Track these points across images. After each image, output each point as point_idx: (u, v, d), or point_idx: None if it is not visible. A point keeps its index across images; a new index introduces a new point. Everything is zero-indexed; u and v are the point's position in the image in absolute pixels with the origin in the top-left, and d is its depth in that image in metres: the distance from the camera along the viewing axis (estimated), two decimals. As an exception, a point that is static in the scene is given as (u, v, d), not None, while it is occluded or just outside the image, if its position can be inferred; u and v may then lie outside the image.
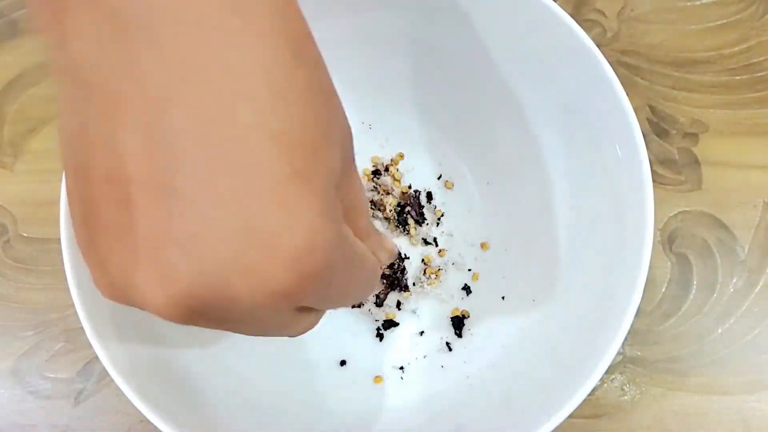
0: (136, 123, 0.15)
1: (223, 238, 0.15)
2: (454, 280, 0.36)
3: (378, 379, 0.34)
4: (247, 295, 0.15)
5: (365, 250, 0.20)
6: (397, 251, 0.26)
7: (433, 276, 0.36)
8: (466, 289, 0.36)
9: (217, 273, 0.15)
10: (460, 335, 0.35)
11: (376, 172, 0.37)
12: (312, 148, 0.16)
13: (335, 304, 0.20)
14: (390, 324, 0.35)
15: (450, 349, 0.35)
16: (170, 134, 0.15)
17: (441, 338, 0.35)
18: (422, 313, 0.36)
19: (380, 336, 0.35)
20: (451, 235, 0.37)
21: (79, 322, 0.25)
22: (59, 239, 0.26)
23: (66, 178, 0.18)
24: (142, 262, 0.16)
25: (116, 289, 0.17)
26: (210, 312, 0.16)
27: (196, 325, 0.16)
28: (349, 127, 0.19)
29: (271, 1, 0.16)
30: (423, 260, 0.36)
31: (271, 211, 0.15)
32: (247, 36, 0.15)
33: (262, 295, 0.15)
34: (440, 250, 0.37)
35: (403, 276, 0.36)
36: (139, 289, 0.16)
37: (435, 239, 0.37)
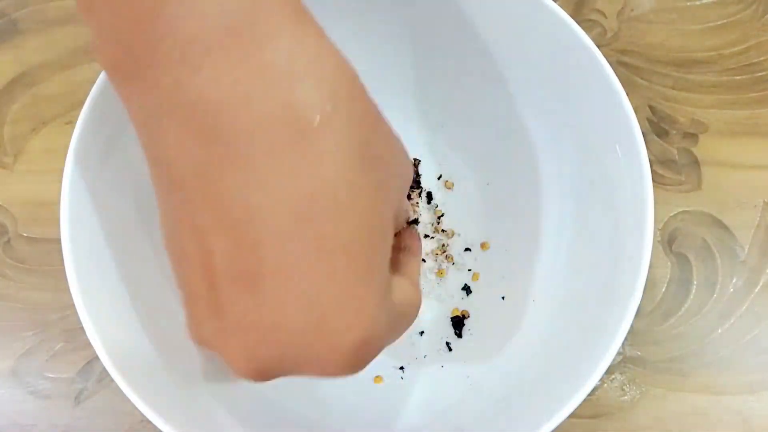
0: (224, 227, 0.18)
1: (298, 331, 0.18)
2: (454, 280, 0.36)
3: (378, 379, 0.34)
4: (312, 374, 0.20)
5: (407, 302, 0.23)
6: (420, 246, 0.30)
7: (444, 261, 0.36)
8: (466, 289, 0.36)
9: (291, 358, 0.19)
10: (460, 335, 0.35)
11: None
12: (378, 243, 0.19)
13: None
14: None
15: (450, 349, 0.35)
16: (254, 238, 0.17)
17: (441, 338, 0.35)
18: (422, 313, 0.36)
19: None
20: (451, 235, 0.37)
21: (79, 322, 0.25)
22: (59, 239, 0.26)
23: (167, 250, 0.21)
24: (231, 339, 0.19)
25: (205, 343, 0.20)
26: (281, 376, 0.20)
27: (266, 381, 0.20)
28: (410, 165, 0.23)
29: (342, 112, 0.18)
30: (423, 259, 0.36)
31: (338, 312, 0.18)
32: (320, 154, 0.17)
33: (325, 374, 0.20)
34: (442, 249, 0.37)
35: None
36: (227, 354, 0.20)
37: (438, 225, 0.37)
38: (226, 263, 0.18)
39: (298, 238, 0.17)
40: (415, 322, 0.35)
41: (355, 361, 0.19)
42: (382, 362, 0.35)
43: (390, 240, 0.20)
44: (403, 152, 0.22)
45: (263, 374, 0.20)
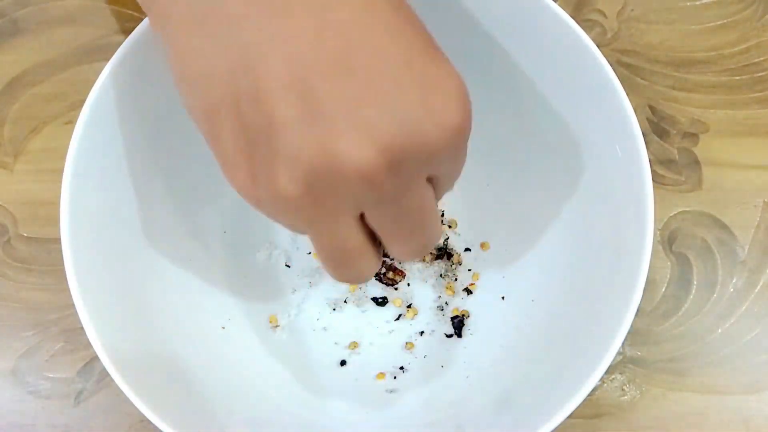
0: (307, 9, 0.18)
1: (406, 92, 0.18)
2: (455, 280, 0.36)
3: (380, 375, 0.34)
4: (435, 133, 0.19)
5: None
6: None
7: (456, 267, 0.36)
8: (466, 289, 0.36)
9: (411, 119, 0.18)
10: (460, 335, 0.35)
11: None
12: (432, 41, 0.20)
13: (450, 183, 0.23)
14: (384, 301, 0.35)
15: (450, 349, 0.35)
16: (335, 27, 0.18)
17: (441, 338, 0.35)
18: (422, 313, 0.36)
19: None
20: (451, 236, 0.37)
21: (79, 322, 0.25)
22: (59, 239, 0.26)
23: (207, 122, 0.20)
24: (344, 130, 0.18)
25: (317, 172, 0.18)
26: (407, 158, 0.19)
27: (394, 176, 0.19)
28: None
29: None
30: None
31: (430, 65, 0.19)
32: None
33: (446, 130, 0.19)
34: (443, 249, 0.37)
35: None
36: (343, 155, 0.18)
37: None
38: (312, 57, 0.18)
39: (367, 21, 0.18)
40: (416, 322, 0.36)
41: (465, 109, 0.19)
42: (383, 362, 0.35)
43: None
44: None
45: (392, 153, 0.18)
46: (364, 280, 0.23)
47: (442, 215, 0.37)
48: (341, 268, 0.22)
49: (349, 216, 0.20)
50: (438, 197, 0.23)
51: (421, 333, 0.35)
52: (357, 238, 0.21)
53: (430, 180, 0.21)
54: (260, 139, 0.19)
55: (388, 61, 0.18)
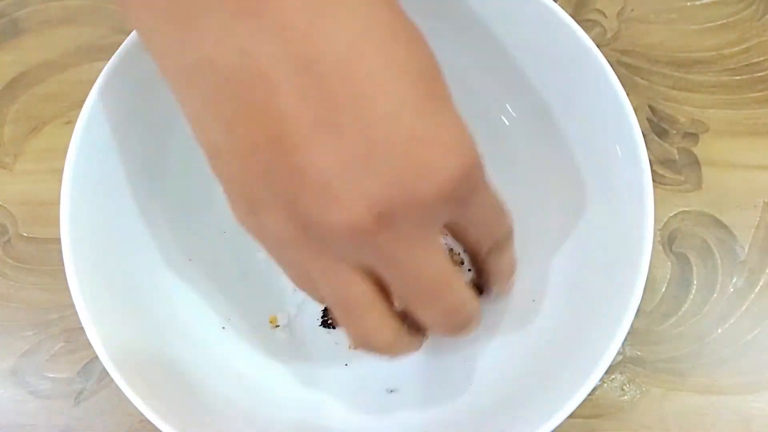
0: (291, 83, 0.17)
1: (396, 150, 0.18)
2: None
3: (380, 375, 0.34)
4: (427, 189, 0.18)
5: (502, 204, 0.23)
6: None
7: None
8: (466, 289, 0.36)
9: (402, 178, 0.18)
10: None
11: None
12: (434, 76, 0.19)
13: (486, 234, 0.24)
14: None
15: (450, 349, 0.35)
16: (322, 85, 0.17)
17: (441, 338, 0.35)
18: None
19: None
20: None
21: (79, 322, 0.25)
22: (59, 239, 0.26)
23: (231, 164, 0.19)
24: (336, 191, 0.18)
25: (311, 223, 0.19)
26: (398, 213, 0.18)
27: (386, 230, 0.19)
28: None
29: None
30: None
31: (424, 118, 0.18)
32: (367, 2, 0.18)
33: (441, 185, 0.18)
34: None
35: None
36: (332, 212, 0.18)
37: None
38: (301, 114, 0.17)
39: (363, 71, 0.17)
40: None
41: (462, 162, 0.19)
42: (383, 362, 0.35)
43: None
44: None
45: (384, 211, 0.18)
46: (386, 346, 0.23)
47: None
48: (347, 320, 0.22)
49: (348, 267, 0.20)
50: (478, 252, 0.24)
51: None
52: (359, 287, 0.21)
53: (458, 236, 0.22)
54: (258, 185, 0.19)
55: (376, 115, 0.18)
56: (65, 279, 0.25)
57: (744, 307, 0.36)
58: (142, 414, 0.24)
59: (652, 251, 0.26)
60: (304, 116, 0.17)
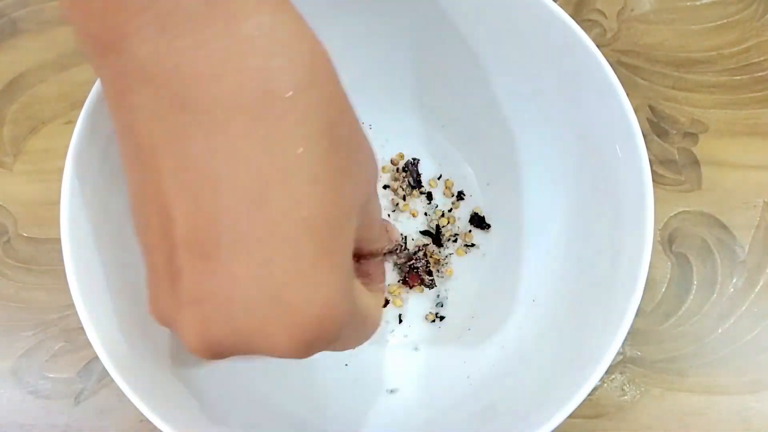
0: (188, 194, 0.18)
1: (252, 305, 0.18)
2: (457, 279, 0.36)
3: (381, 375, 0.34)
4: (265, 351, 0.19)
5: (370, 306, 0.23)
6: (399, 238, 0.29)
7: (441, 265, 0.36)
8: (466, 289, 0.36)
9: (244, 333, 0.18)
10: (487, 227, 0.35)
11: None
12: (337, 226, 0.19)
13: (339, 350, 0.23)
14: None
15: (451, 350, 0.35)
16: (216, 207, 0.17)
17: (442, 338, 0.35)
18: (424, 313, 0.36)
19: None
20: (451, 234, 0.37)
21: (79, 322, 0.25)
22: (59, 239, 0.26)
23: (134, 222, 0.21)
24: (185, 310, 0.19)
25: (163, 319, 0.20)
26: (233, 355, 0.19)
27: (219, 359, 0.20)
28: (375, 164, 0.22)
29: (314, 90, 0.18)
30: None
31: (295, 287, 0.18)
32: (289, 127, 0.17)
33: (277, 353, 0.19)
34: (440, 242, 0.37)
35: (418, 264, 0.36)
36: (179, 329, 0.19)
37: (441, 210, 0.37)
38: (185, 232, 0.18)
39: (258, 211, 0.17)
40: (417, 322, 0.36)
41: (310, 339, 0.18)
42: (383, 362, 0.35)
43: (353, 227, 0.20)
44: (368, 144, 0.21)
45: (215, 350, 0.19)
46: None
47: (460, 198, 0.37)
48: None
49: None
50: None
51: (422, 333, 0.35)
52: None
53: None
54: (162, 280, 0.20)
55: (254, 264, 0.18)
56: (65, 279, 0.25)
57: (744, 307, 0.36)
58: (142, 414, 0.24)
59: (652, 251, 0.26)
60: (187, 238, 0.18)
